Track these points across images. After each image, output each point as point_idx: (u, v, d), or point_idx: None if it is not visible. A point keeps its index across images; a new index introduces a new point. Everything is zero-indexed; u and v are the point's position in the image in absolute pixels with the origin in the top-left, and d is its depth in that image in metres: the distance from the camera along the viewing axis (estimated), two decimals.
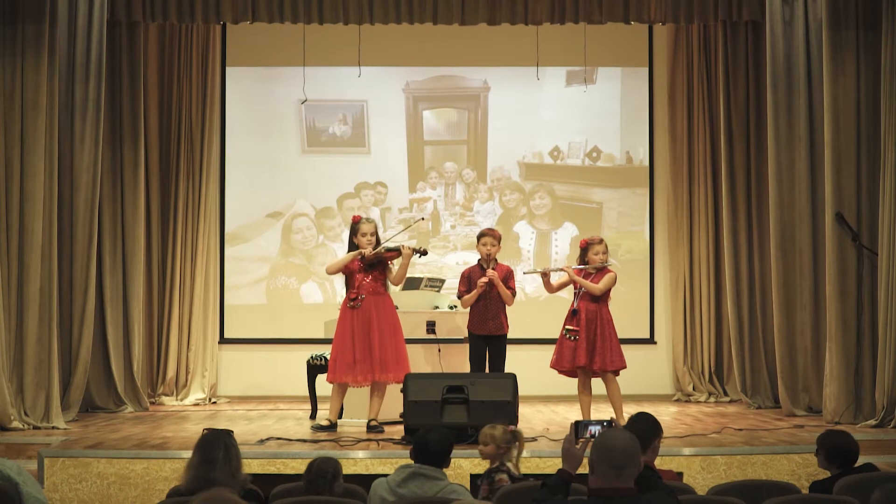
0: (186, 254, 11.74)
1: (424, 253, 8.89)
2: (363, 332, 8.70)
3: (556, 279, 9.01)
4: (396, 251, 8.80)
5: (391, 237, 8.88)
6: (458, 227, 12.36)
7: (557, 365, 8.82)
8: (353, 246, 8.84)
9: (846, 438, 5.88)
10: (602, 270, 8.77)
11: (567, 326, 8.72)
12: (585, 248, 8.84)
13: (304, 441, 8.20)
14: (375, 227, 8.84)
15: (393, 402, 8.73)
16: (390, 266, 8.86)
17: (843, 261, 9.47)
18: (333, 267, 8.94)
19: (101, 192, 10.27)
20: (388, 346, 8.72)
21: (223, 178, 12.24)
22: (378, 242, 8.81)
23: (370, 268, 8.76)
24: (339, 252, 9.27)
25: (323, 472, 5.40)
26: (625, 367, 8.79)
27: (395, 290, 9.79)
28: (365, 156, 12.40)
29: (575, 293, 8.81)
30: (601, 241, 8.88)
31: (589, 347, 8.65)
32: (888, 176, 9.15)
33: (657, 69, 12.33)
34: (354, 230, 8.83)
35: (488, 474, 5.88)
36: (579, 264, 8.84)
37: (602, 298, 8.73)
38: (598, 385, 8.91)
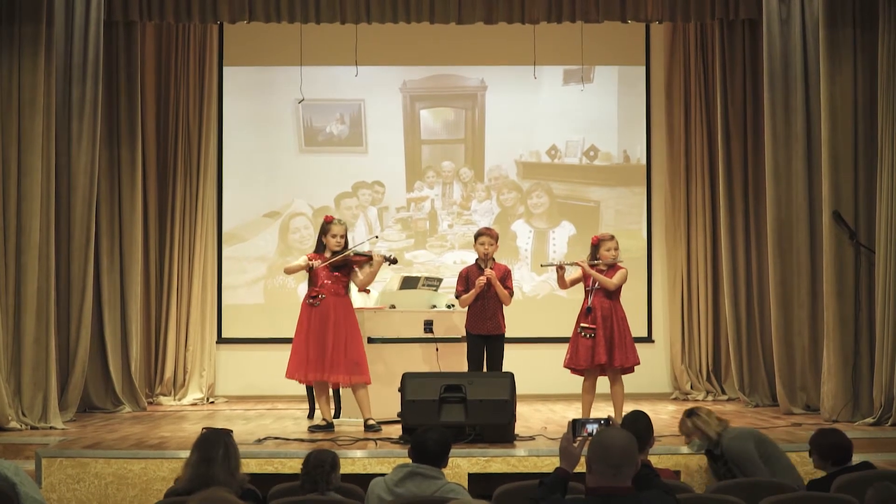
0: (184, 253, 11.74)
1: (395, 261, 8.91)
2: (319, 331, 8.70)
3: (570, 274, 9.00)
4: (367, 257, 8.81)
5: (355, 247, 8.85)
6: (455, 226, 12.36)
7: (572, 363, 8.76)
8: (320, 245, 8.86)
9: (837, 436, 5.90)
10: (613, 267, 8.76)
11: (582, 324, 8.67)
12: (597, 245, 8.82)
13: (302, 440, 8.20)
14: (346, 230, 8.85)
15: (391, 402, 8.72)
16: (356, 270, 8.87)
17: (840, 259, 9.47)
18: (290, 269, 8.98)
19: (99, 191, 10.26)
20: (341, 348, 8.69)
21: (220, 178, 12.24)
22: (346, 245, 8.80)
23: (336, 269, 8.77)
24: None
25: (321, 463, 5.41)
26: (639, 363, 8.79)
27: (393, 288, 9.81)
28: (362, 155, 12.40)
29: (587, 291, 8.76)
30: (612, 237, 8.88)
31: (608, 344, 8.63)
32: (885, 174, 9.16)
33: (654, 68, 12.35)
34: (325, 230, 8.83)
35: None
36: (590, 261, 8.83)
37: (615, 295, 8.72)
38: (601, 385, 8.89)
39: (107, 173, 10.70)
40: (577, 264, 8.94)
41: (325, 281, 8.77)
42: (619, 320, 8.69)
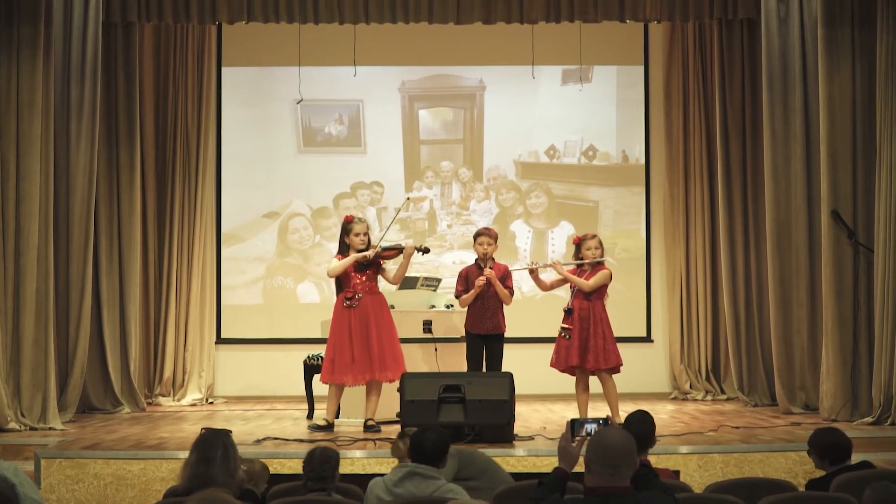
0: (183, 254, 11.74)
1: (427, 251, 8.91)
2: (361, 331, 8.70)
3: (545, 276, 9.01)
4: (396, 250, 8.82)
5: (383, 235, 8.90)
6: (454, 226, 12.35)
7: (556, 364, 8.82)
8: (344, 246, 8.85)
9: (835, 434, 5.89)
10: (597, 267, 8.76)
11: (562, 325, 8.72)
12: (579, 245, 8.84)
13: (301, 441, 8.20)
14: (367, 227, 8.87)
15: (390, 402, 8.72)
16: (383, 265, 8.87)
17: (839, 258, 9.48)
18: (336, 271, 8.76)
19: (98, 192, 10.26)
20: (386, 345, 8.73)
21: (219, 179, 12.23)
22: (369, 242, 8.82)
23: (364, 267, 8.77)
24: (335, 250, 9.24)
25: (327, 458, 5.41)
26: (620, 363, 8.77)
27: (391, 289, 9.81)
28: (361, 155, 12.40)
29: (570, 291, 8.81)
30: (594, 236, 8.87)
31: (581, 346, 8.64)
32: (883, 173, 9.17)
33: (653, 67, 12.34)
34: (347, 230, 8.83)
35: None
36: (575, 261, 8.84)
37: (595, 296, 8.71)
38: (595, 383, 8.90)
39: (105, 174, 10.69)
40: (550, 266, 8.96)
41: (358, 280, 8.76)
42: (598, 322, 8.67)
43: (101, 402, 10.57)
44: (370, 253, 8.70)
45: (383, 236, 8.94)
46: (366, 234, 8.80)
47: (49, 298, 9.39)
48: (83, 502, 7.49)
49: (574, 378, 8.89)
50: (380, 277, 8.96)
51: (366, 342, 8.69)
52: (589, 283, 8.67)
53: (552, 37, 11.58)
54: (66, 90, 9.91)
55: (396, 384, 8.39)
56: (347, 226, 8.84)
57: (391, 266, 8.98)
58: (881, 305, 9.12)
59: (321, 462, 5.41)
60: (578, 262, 8.80)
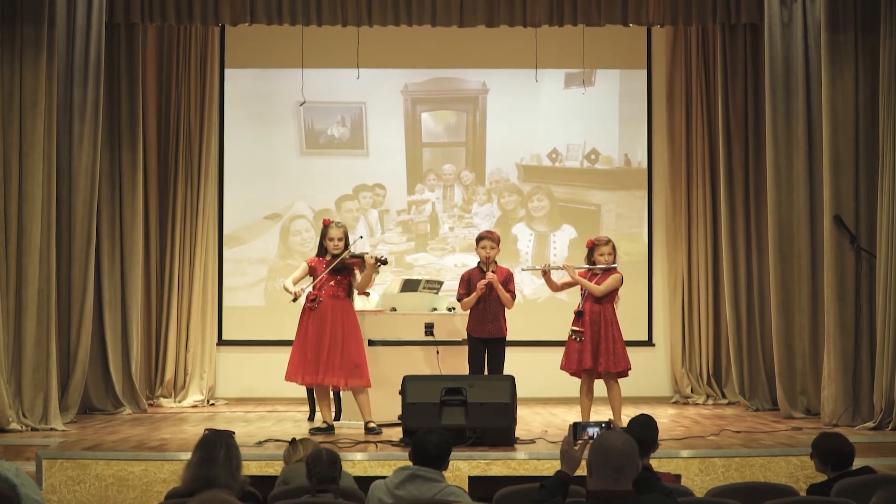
0: (185, 256, 11.75)
1: (385, 262, 8.87)
2: (316, 333, 8.72)
3: (557, 278, 9.00)
4: (360, 259, 8.80)
5: (331, 267, 8.80)
6: (456, 229, 12.35)
7: (566, 367, 8.79)
8: (322, 249, 8.86)
9: (839, 439, 5.89)
10: (608, 271, 8.74)
11: (573, 328, 8.70)
12: (592, 249, 8.81)
13: None
14: (344, 232, 8.83)
15: (391, 404, 8.72)
16: (356, 272, 8.86)
17: (841, 263, 9.48)
18: (296, 279, 8.95)
19: (100, 193, 10.26)
20: (338, 351, 8.69)
21: (221, 180, 12.23)
22: (346, 246, 8.79)
23: (335, 272, 8.77)
24: None
25: (334, 459, 5.41)
26: (629, 367, 8.75)
27: (393, 291, 9.81)
28: (363, 158, 12.40)
29: (581, 294, 8.79)
30: (608, 241, 8.84)
31: (594, 349, 8.62)
32: (886, 178, 9.16)
33: (655, 71, 12.34)
34: (323, 234, 8.85)
35: None
36: (587, 265, 8.82)
37: (606, 299, 8.70)
38: (598, 387, 8.89)
39: (108, 175, 10.69)
40: (563, 268, 8.95)
41: (325, 284, 8.78)
42: (608, 325, 8.65)
43: (102, 403, 10.57)
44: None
45: (331, 267, 8.79)
46: (341, 238, 8.77)
47: (51, 299, 9.40)
48: (84, 503, 7.48)
49: (577, 381, 8.87)
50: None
51: (318, 345, 8.71)
52: (600, 287, 8.64)
53: (555, 40, 11.58)
54: (69, 91, 9.91)
55: (398, 387, 8.37)
56: (324, 230, 8.87)
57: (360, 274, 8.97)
58: (883, 310, 9.11)
59: (329, 463, 5.40)
60: (590, 266, 8.78)
